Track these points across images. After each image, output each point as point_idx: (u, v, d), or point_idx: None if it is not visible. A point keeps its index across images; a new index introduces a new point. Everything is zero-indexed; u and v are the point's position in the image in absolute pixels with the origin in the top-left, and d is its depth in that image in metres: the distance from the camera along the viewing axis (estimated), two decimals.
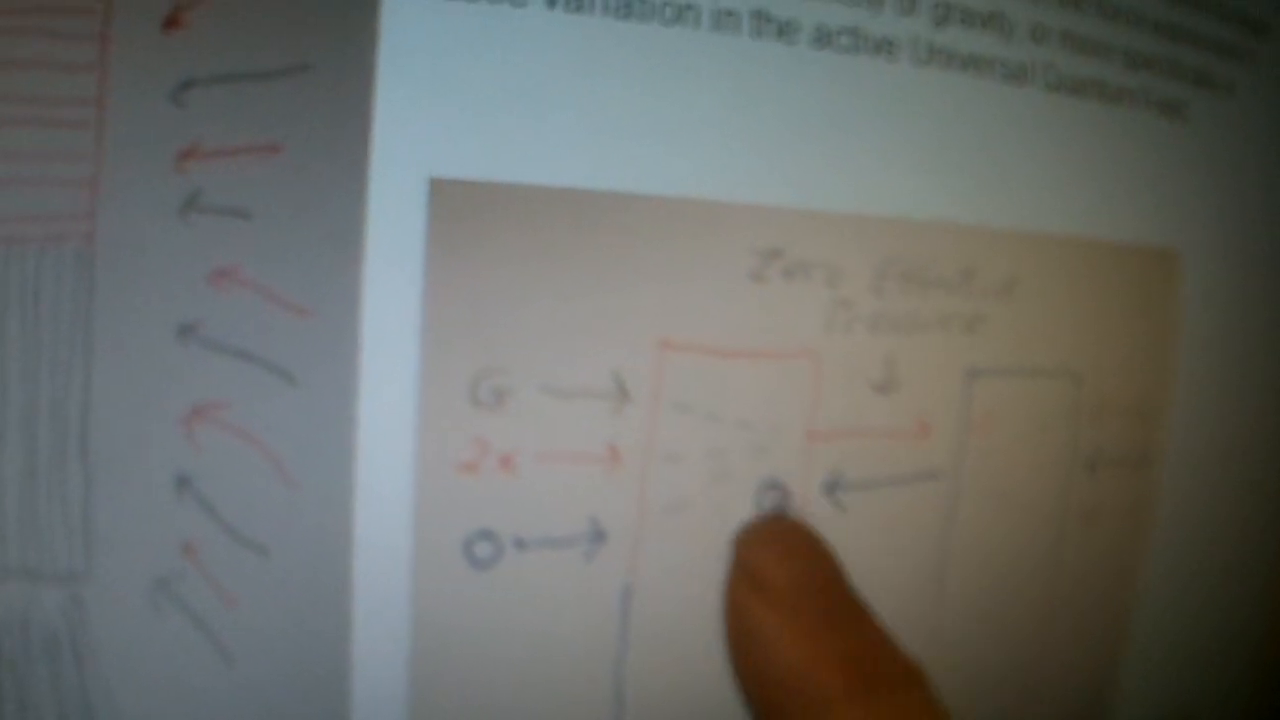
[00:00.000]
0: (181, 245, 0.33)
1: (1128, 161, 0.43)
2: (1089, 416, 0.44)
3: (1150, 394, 0.46)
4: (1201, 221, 0.46)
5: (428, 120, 0.33)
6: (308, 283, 0.33)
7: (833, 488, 0.39)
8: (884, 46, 0.38)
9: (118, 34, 0.32)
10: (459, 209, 0.34)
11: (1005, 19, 0.40)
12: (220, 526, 0.34)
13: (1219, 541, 0.49)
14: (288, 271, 0.33)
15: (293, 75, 0.33)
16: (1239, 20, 0.46)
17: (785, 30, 0.37)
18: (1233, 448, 0.48)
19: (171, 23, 0.33)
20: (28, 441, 0.33)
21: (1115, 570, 0.46)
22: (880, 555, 0.40)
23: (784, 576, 0.31)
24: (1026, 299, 0.42)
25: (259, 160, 0.33)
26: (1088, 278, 0.43)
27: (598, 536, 0.37)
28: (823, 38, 0.37)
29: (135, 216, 0.33)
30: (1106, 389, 0.44)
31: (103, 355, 0.33)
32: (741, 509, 0.38)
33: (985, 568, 0.43)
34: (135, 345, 0.33)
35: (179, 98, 0.33)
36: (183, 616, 0.34)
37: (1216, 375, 0.47)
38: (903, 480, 0.41)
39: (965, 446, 0.42)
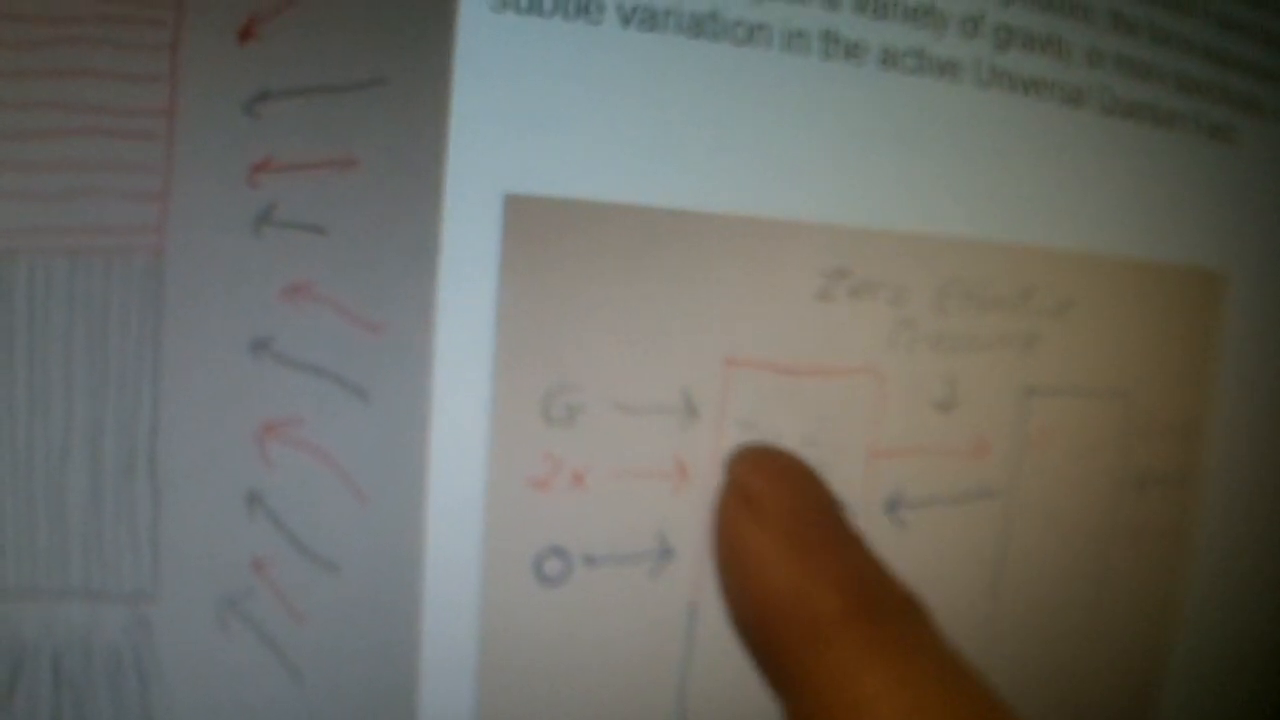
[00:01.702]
0: (254, 260, 0.32)
1: (1178, 184, 0.43)
2: (1138, 435, 0.44)
3: (1195, 413, 0.45)
4: (1248, 244, 0.46)
5: (502, 136, 0.33)
6: (381, 298, 0.33)
7: (894, 505, 0.39)
8: (948, 68, 0.38)
9: (190, 45, 0.31)
10: (533, 225, 0.33)
11: (1063, 42, 0.40)
12: (291, 543, 0.33)
13: (1261, 559, 0.49)
14: (361, 287, 0.32)
15: (368, 89, 0.32)
16: None
17: (853, 51, 0.36)
18: (1275, 466, 0.48)
19: (246, 34, 0.32)
20: (93, 459, 0.32)
21: (1159, 586, 0.46)
22: (937, 571, 0.40)
23: (779, 496, 0.28)
24: (1081, 319, 0.41)
25: (334, 174, 0.32)
26: (1138, 298, 0.43)
27: (665, 553, 0.36)
28: (889, 59, 0.37)
29: (207, 230, 0.32)
30: (1154, 408, 0.44)
31: (172, 371, 0.32)
32: None
33: (1037, 583, 0.42)
34: (206, 360, 0.32)
35: (253, 109, 0.32)
36: (251, 634, 0.33)
37: (1260, 395, 0.47)
38: (961, 498, 0.40)
39: (1021, 465, 0.41)
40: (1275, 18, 0.45)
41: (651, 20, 0.34)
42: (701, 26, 0.34)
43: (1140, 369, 0.43)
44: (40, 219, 0.31)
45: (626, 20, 0.34)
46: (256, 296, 0.33)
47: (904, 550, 0.38)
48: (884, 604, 0.26)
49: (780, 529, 0.26)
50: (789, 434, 0.37)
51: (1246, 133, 0.45)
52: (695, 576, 0.36)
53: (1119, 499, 0.44)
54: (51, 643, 0.32)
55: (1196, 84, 0.43)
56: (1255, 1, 0.44)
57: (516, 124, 0.33)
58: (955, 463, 0.40)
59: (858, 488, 0.38)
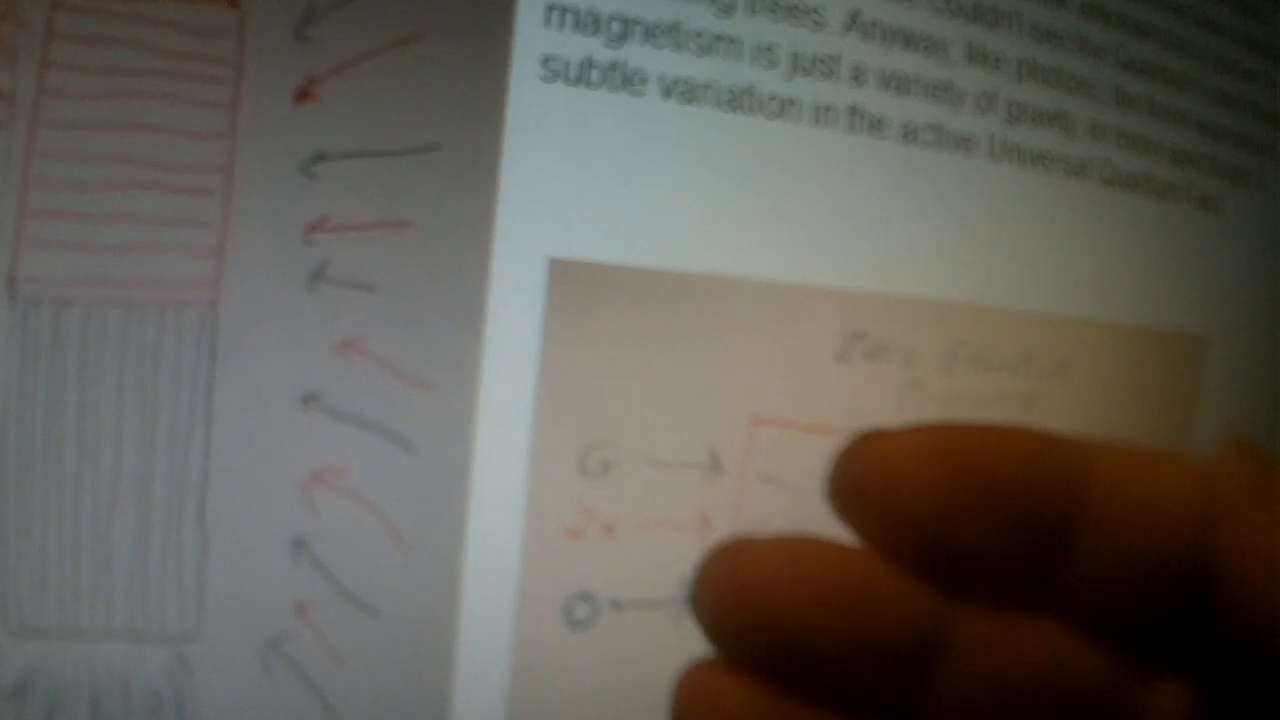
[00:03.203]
0: (307, 315, 0.33)
1: (1168, 252, 0.45)
2: None
3: None
4: (1229, 308, 0.48)
5: (548, 201, 0.34)
6: (429, 355, 0.34)
7: None
8: (963, 142, 0.39)
9: (249, 103, 0.32)
10: (574, 288, 0.34)
11: (1069, 117, 0.41)
12: (334, 588, 0.34)
13: None
14: (410, 344, 0.33)
15: (422, 154, 0.33)
16: (1271, 118, 0.48)
17: (877, 125, 0.38)
18: None
19: (304, 95, 0.33)
20: (142, 504, 0.33)
21: None
22: None
23: None
24: (1077, 379, 0.43)
25: (386, 235, 0.33)
26: (1128, 359, 0.45)
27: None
28: (909, 133, 0.38)
29: (261, 286, 0.33)
30: None
31: (224, 421, 0.33)
32: None
33: None
34: (257, 412, 0.33)
35: (310, 170, 0.33)
36: (292, 676, 0.34)
37: None
38: None
39: None
40: (1264, 91, 0.47)
41: (691, 94, 0.35)
42: (738, 100, 0.36)
43: (1129, 424, 0.45)
44: (96, 270, 0.32)
45: (668, 93, 0.35)
46: (309, 351, 0.33)
47: None
48: None
49: None
50: (807, 488, 0.38)
51: (1233, 202, 0.47)
52: None
53: None
54: (92, 682, 0.33)
55: (1190, 156, 0.45)
56: (1247, 76, 0.46)
57: (562, 190, 0.34)
58: None
59: None
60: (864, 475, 0.21)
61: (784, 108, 0.36)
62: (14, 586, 0.32)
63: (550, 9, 0.33)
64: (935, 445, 0.21)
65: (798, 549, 0.22)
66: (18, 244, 0.31)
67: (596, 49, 0.34)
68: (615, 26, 0.34)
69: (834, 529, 0.38)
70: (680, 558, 0.37)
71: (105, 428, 0.33)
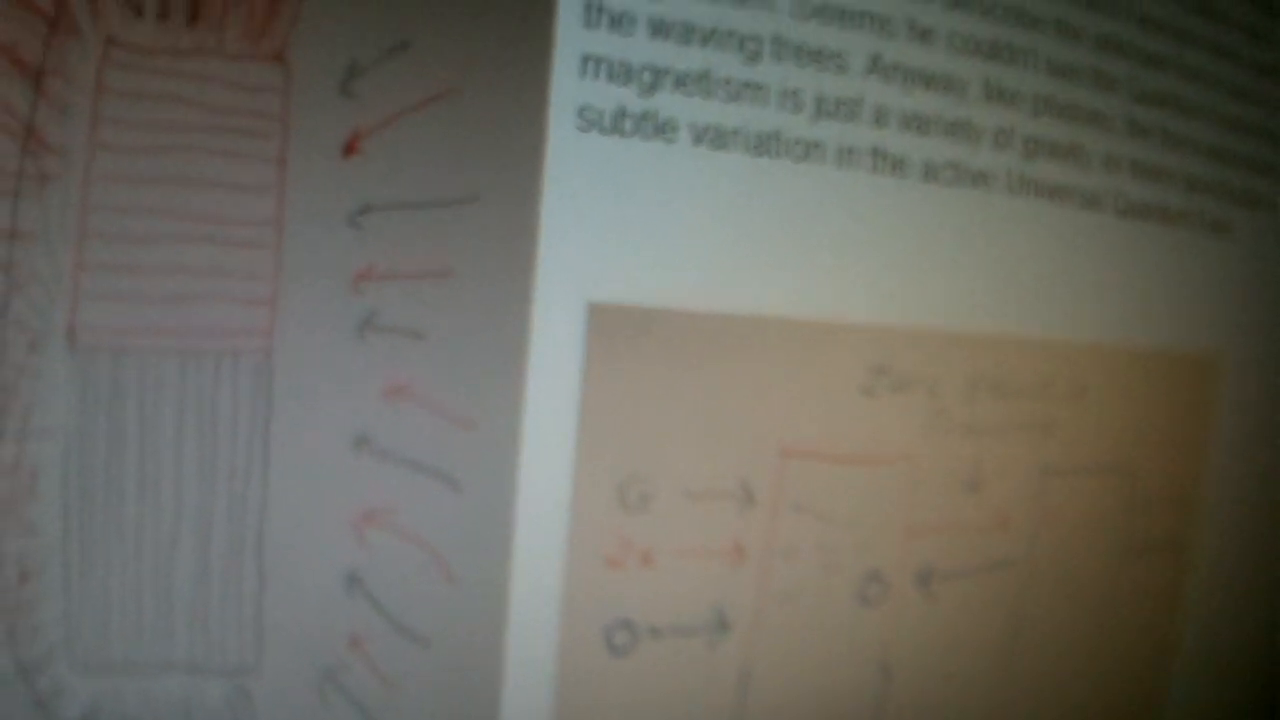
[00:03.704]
0: (357, 361, 0.34)
1: (1179, 277, 0.46)
2: (1139, 508, 0.47)
3: (1190, 485, 0.49)
4: (1240, 329, 0.49)
5: (586, 247, 0.35)
6: (473, 397, 0.35)
7: (925, 578, 0.42)
8: (981, 179, 0.41)
9: (296, 158, 0.34)
10: (612, 330, 0.36)
11: (1083, 149, 0.43)
12: (386, 620, 0.35)
13: (1246, 618, 0.52)
14: (455, 386, 0.35)
15: (464, 204, 0.34)
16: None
17: (898, 165, 0.39)
18: (1261, 537, 0.52)
19: (349, 149, 0.34)
20: (201, 543, 0.34)
21: (1156, 641, 0.49)
22: (963, 635, 0.43)
23: None
24: (1093, 404, 0.45)
25: (431, 283, 0.34)
26: (1143, 382, 0.46)
27: (721, 625, 0.39)
28: (930, 172, 0.40)
29: (313, 333, 0.34)
30: (1154, 482, 0.47)
31: (279, 463, 0.34)
32: (846, 598, 0.41)
33: (1049, 642, 0.45)
34: (311, 454, 0.34)
35: (356, 221, 0.34)
36: (347, 705, 0.35)
37: (1250, 468, 0.51)
38: (984, 569, 0.43)
39: (1037, 538, 0.44)
40: (1272, 115, 0.49)
41: (720, 140, 0.37)
42: (765, 145, 0.37)
43: (1143, 447, 0.47)
44: (152, 320, 0.34)
45: (698, 140, 0.36)
46: (359, 395, 0.35)
47: (934, 618, 0.41)
48: None
49: None
50: (836, 516, 0.40)
51: (1243, 225, 0.48)
52: (748, 647, 0.39)
53: (1121, 565, 0.47)
54: (154, 715, 0.35)
55: (1201, 183, 0.47)
56: (1258, 100, 0.48)
57: (599, 236, 0.35)
58: (979, 537, 0.43)
59: (894, 563, 0.41)
60: None
61: (809, 151, 0.38)
62: (79, 624, 0.34)
63: (585, 60, 0.35)
64: None
65: None
66: (76, 295, 0.33)
67: (629, 98, 0.35)
68: (647, 76, 0.35)
69: (863, 555, 0.40)
70: (715, 585, 0.39)
71: (165, 471, 0.34)
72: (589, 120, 0.35)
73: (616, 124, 0.35)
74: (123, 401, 0.34)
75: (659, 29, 0.36)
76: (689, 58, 0.36)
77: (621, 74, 0.35)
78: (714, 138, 0.37)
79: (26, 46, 0.32)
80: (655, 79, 0.36)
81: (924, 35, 0.39)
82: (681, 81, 0.36)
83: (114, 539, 0.34)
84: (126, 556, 0.34)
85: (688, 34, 0.36)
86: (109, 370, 0.33)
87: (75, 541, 0.34)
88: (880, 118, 0.39)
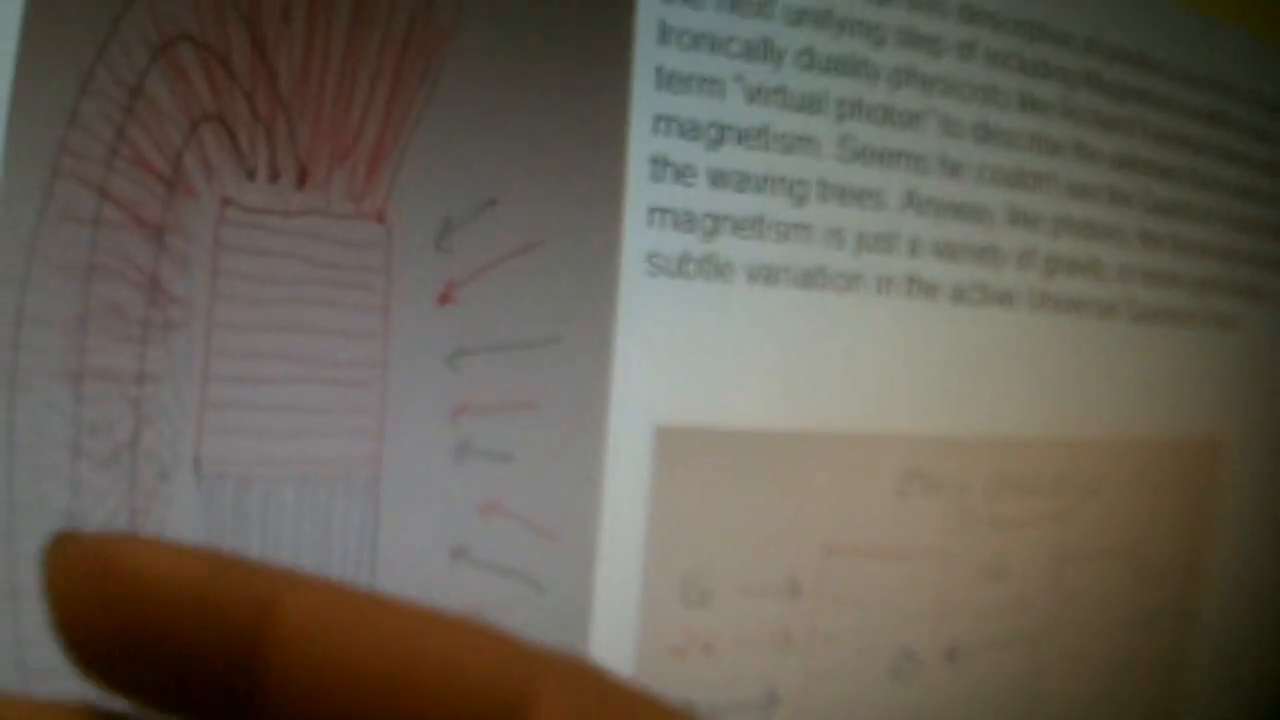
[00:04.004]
0: (456, 483, 0.38)
1: (1188, 371, 0.51)
2: (1148, 582, 0.52)
3: (1194, 560, 0.53)
4: (1242, 414, 0.54)
5: (654, 378, 0.39)
6: (555, 511, 0.39)
7: (953, 654, 0.46)
8: (1005, 297, 0.45)
9: (398, 305, 0.38)
10: (677, 449, 0.40)
11: (1100, 263, 0.47)
12: None
13: (1249, 678, 0.57)
14: (540, 503, 0.39)
15: (546, 345, 0.38)
16: None
17: (930, 290, 0.43)
18: (1264, 605, 0.57)
19: (445, 299, 0.38)
20: None
21: (1165, 701, 0.54)
22: (987, 705, 0.47)
23: None
24: (1106, 494, 0.49)
25: (518, 414, 0.38)
26: (1152, 470, 0.50)
27: (772, 701, 0.43)
28: (959, 294, 0.44)
29: (415, 460, 0.38)
30: (1161, 559, 0.52)
31: (386, 573, 0.38)
32: (883, 675, 0.45)
33: (1065, 710, 0.50)
34: (415, 565, 0.38)
35: (453, 362, 0.38)
36: None
37: (1252, 544, 0.55)
38: (1006, 645, 0.48)
39: (1056, 617, 0.49)
40: (1276, 210, 0.53)
41: (771, 277, 0.40)
42: (811, 279, 0.41)
43: (1151, 528, 0.51)
44: (272, 451, 0.37)
45: (752, 278, 0.40)
46: (458, 513, 0.39)
47: (961, 689, 0.46)
48: None
49: None
50: (873, 604, 0.44)
51: (1247, 318, 0.53)
52: (801, 718, 0.44)
53: (1130, 634, 0.51)
54: None
55: (1209, 283, 0.51)
56: (1261, 197, 0.52)
57: (665, 367, 0.40)
58: (1002, 619, 0.47)
59: (925, 643, 0.46)
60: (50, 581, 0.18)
61: (851, 283, 0.42)
62: None
63: (652, 211, 0.39)
64: (91, 558, 0.18)
65: None
66: (201, 430, 0.37)
67: (692, 244, 0.39)
68: (708, 223, 0.39)
69: (896, 637, 0.44)
70: (767, 667, 0.43)
71: None
72: (657, 265, 0.39)
73: (681, 268, 0.39)
74: (245, 525, 0.37)
75: (717, 179, 0.40)
76: (744, 204, 0.40)
77: (685, 221, 0.39)
78: (766, 276, 0.41)
79: (147, 206, 0.35)
80: (715, 225, 0.40)
81: (954, 169, 0.43)
82: (739, 226, 0.40)
83: None
84: None
85: (743, 182, 0.40)
86: (233, 497, 0.37)
87: None
88: (914, 248, 0.43)
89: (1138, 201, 0.48)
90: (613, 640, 0.40)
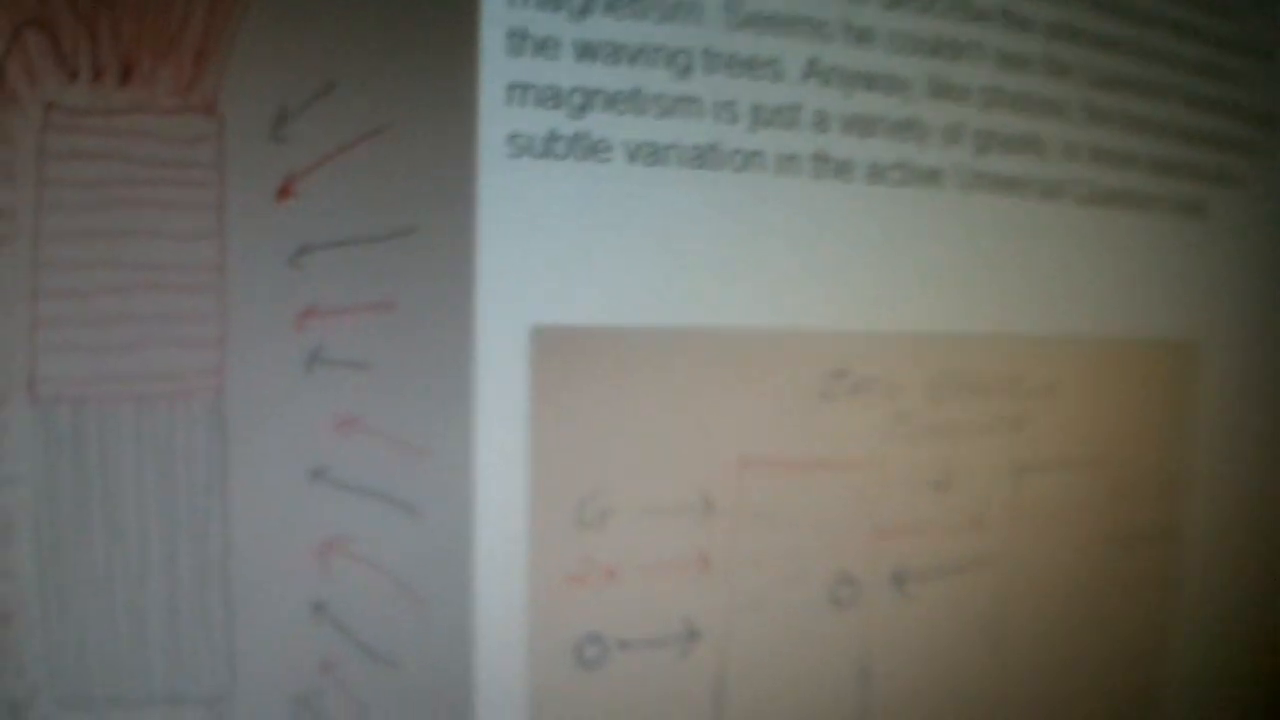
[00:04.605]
0: (307, 397, 0.35)
1: (1152, 263, 0.46)
2: (1122, 498, 0.47)
3: (1173, 474, 0.48)
4: (1217, 313, 0.49)
5: (526, 272, 0.36)
6: (425, 425, 0.36)
7: (901, 579, 0.42)
8: (931, 177, 0.41)
9: (233, 204, 0.35)
10: (558, 351, 0.36)
11: (1040, 140, 0.43)
12: (354, 645, 0.36)
13: (1242, 602, 0.51)
14: (406, 416, 0.36)
15: (401, 238, 0.35)
16: (1251, 116, 0.49)
17: (842, 170, 0.39)
18: (1251, 521, 0.51)
19: (284, 193, 0.35)
20: (169, 578, 0.35)
21: (1150, 632, 0.49)
22: (945, 636, 0.43)
23: None
24: (1066, 397, 0.44)
25: (374, 317, 0.35)
26: (1118, 374, 0.46)
27: (692, 636, 0.39)
28: (876, 173, 0.40)
29: (262, 372, 0.35)
30: (1135, 473, 0.47)
31: (238, 498, 0.35)
32: (819, 603, 0.41)
33: (1036, 639, 0.45)
34: (269, 488, 0.36)
35: (296, 262, 0.35)
36: None
37: (1233, 453, 0.50)
38: (962, 568, 0.43)
39: (1015, 534, 0.44)
40: (1241, 89, 0.48)
41: (655, 155, 0.37)
42: (703, 158, 0.37)
43: (1122, 438, 0.46)
44: (107, 368, 0.35)
45: (633, 157, 0.37)
46: (312, 429, 0.36)
47: (913, 619, 0.41)
48: None
49: None
50: (801, 522, 0.40)
51: (1216, 205, 0.48)
52: (720, 655, 0.40)
53: (1107, 557, 0.47)
54: None
55: (1169, 165, 0.46)
56: (1223, 76, 0.47)
57: (538, 260, 0.36)
58: (954, 537, 0.43)
59: (866, 565, 0.42)
60: None
61: (748, 160, 0.38)
62: (60, 662, 0.35)
63: (512, 88, 0.35)
64: None
65: None
66: (34, 350, 0.34)
67: (560, 122, 0.36)
68: (576, 98, 0.36)
69: (831, 559, 0.40)
70: (682, 596, 0.39)
71: (129, 511, 0.35)
72: (520, 146, 0.36)
73: (548, 148, 0.36)
74: (84, 448, 0.35)
75: (585, 51, 0.36)
76: (618, 77, 0.36)
77: (550, 98, 0.36)
78: (649, 154, 0.37)
79: None
80: (586, 100, 0.36)
81: (862, 36, 0.39)
82: (613, 101, 0.37)
83: (85, 579, 0.35)
84: (99, 595, 0.36)
85: (615, 53, 0.36)
86: (69, 419, 0.35)
87: (50, 583, 0.35)
88: (821, 122, 0.39)
89: (1079, 74, 0.43)
90: (500, 568, 0.36)
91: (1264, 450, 0.51)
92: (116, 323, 0.35)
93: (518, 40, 0.35)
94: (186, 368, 0.35)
